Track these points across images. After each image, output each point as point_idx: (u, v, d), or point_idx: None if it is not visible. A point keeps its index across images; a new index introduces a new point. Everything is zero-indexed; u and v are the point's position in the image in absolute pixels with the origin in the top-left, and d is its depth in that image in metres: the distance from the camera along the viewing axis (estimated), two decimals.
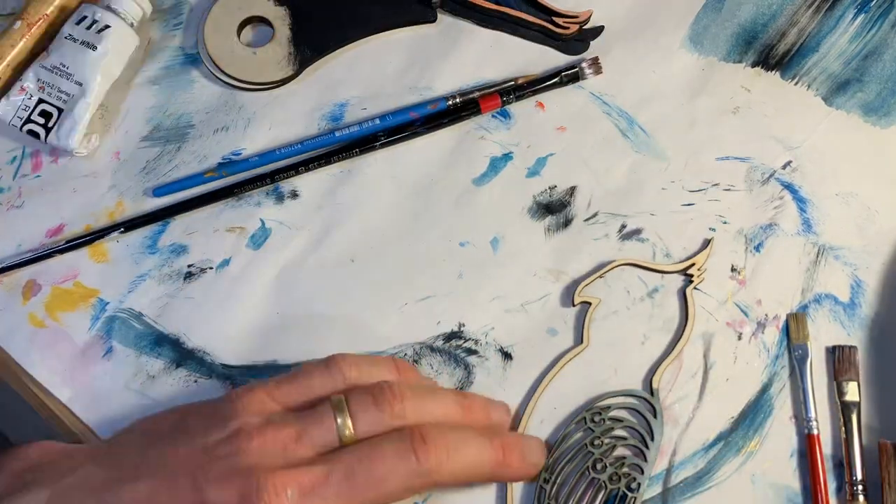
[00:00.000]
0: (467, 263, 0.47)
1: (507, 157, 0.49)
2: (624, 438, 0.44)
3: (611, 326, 0.46)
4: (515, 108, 0.49)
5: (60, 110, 0.47)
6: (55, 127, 0.46)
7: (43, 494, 0.37)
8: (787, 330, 0.46)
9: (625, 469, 0.43)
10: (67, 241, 0.46)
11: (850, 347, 0.46)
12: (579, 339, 0.46)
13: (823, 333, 0.46)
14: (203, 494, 0.36)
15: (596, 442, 0.43)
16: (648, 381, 0.45)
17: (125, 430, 0.41)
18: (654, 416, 0.44)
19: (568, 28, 0.50)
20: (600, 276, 0.46)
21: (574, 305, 0.46)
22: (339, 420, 0.38)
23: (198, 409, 0.40)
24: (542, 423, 0.44)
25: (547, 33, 0.50)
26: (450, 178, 0.48)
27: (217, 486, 0.36)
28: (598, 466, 0.43)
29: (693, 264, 0.46)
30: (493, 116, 0.49)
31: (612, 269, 0.46)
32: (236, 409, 0.39)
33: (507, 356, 0.45)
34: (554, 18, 0.50)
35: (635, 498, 0.43)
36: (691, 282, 0.46)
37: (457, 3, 0.50)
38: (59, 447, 0.41)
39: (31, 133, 0.46)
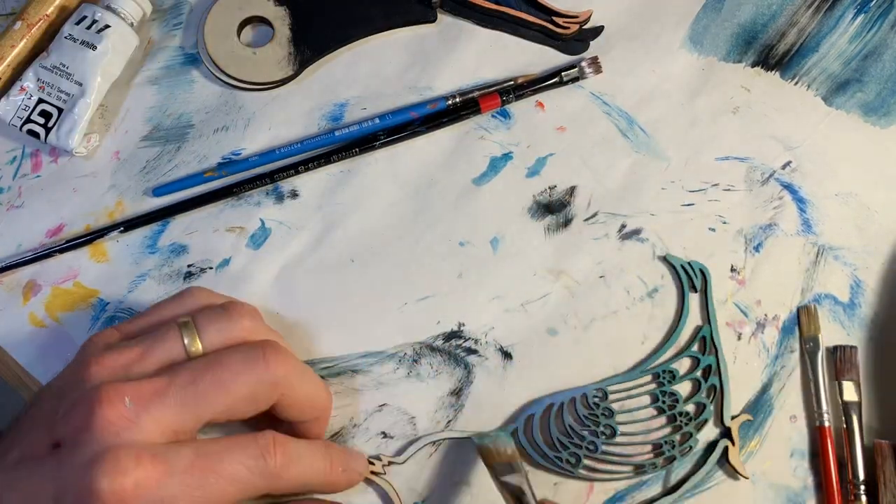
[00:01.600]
0: (467, 263, 0.47)
1: (506, 156, 0.49)
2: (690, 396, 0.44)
3: (610, 326, 0.46)
4: (515, 108, 0.50)
5: (60, 110, 0.47)
6: (55, 127, 0.46)
7: None
8: (797, 322, 0.46)
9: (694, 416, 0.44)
10: (67, 241, 0.46)
11: (851, 347, 0.46)
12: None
13: (823, 333, 0.46)
14: (55, 433, 0.36)
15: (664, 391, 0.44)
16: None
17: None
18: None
19: (568, 28, 0.50)
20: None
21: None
22: (185, 338, 0.38)
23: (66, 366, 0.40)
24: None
25: (547, 33, 0.50)
26: (450, 178, 0.48)
27: (64, 421, 0.35)
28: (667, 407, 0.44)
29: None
30: (492, 116, 0.49)
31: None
32: (85, 350, 0.38)
33: (507, 356, 0.45)
34: (554, 18, 0.50)
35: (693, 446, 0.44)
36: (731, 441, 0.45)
37: (457, 3, 0.50)
38: None
39: (31, 133, 0.46)
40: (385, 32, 0.50)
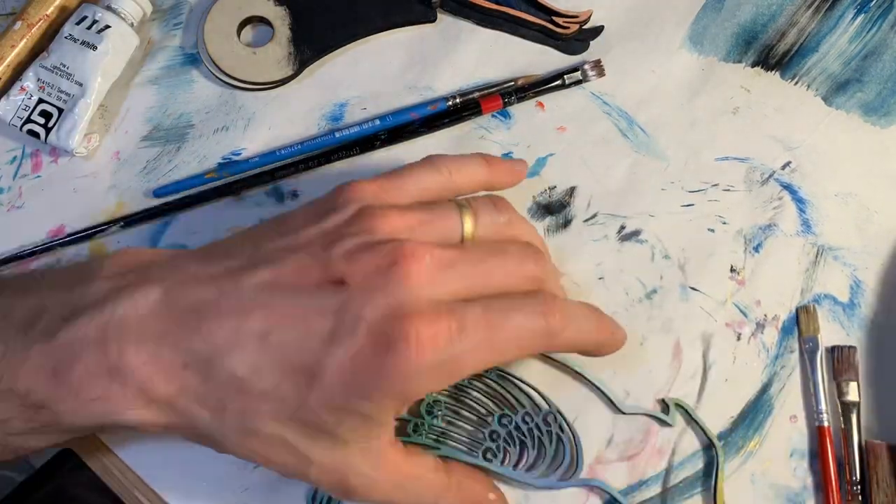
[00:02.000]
0: None
1: (506, 157, 0.49)
2: (527, 445, 0.43)
3: None
4: (515, 108, 0.49)
5: (60, 110, 0.47)
6: (55, 127, 0.46)
7: (154, 292, 0.36)
8: (797, 322, 0.46)
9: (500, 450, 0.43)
10: (68, 236, 0.46)
11: (850, 347, 0.46)
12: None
13: (823, 334, 0.46)
14: (333, 269, 0.35)
15: (522, 427, 0.43)
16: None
17: (220, 240, 0.40)
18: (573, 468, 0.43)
19: (568, 28, 0.50)
20: None
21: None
22: (463, 216, 0.38)
23: (302, 208, 0.39)
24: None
25: (547, 33, 0.50)
26: None
27: (348, 260, 0.35)
28: (493, 436, 0.43)
29: None
30: (492, 116, 0.49)
31: None
32: (351, 197, 0.37)
33: None
34: (554, 18, 0.50)
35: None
36: None
37: (457, 3, 0.50)
38: (150, 251, 0.40)
39: (31, 133, 0.46)
40: (385, 32, 0.50)
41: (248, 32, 0.50)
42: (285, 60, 0.49)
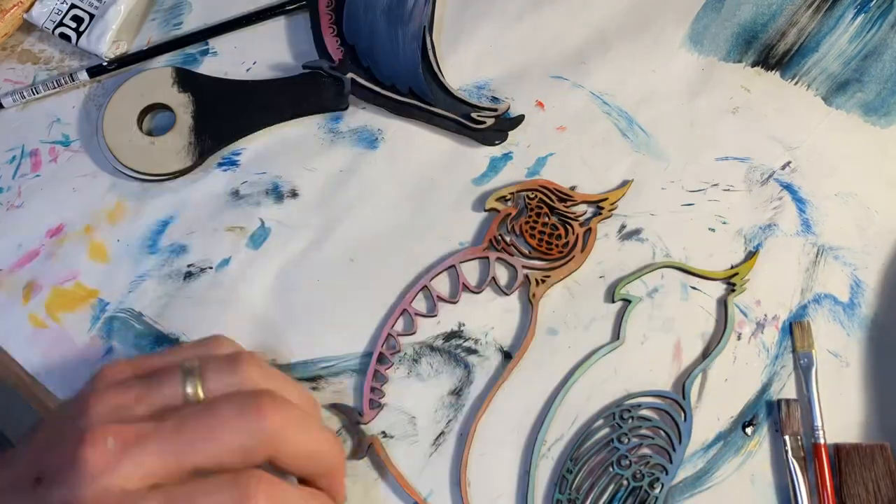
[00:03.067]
0: None
1: (506, 156, 0.49)
2: (650, 437, 0.44)
3: (610, 327, 0.46)
4: (515, 108, 0.49)
5: (92, 16, 0.48)
6: (86, 31, 0.48)
7: None
8: (791, 338, 0.46)
9: (648, 468, 0.43)
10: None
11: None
12: (616, 335, 0.46)
13: (823, 334, 0.46)
14: (40, 465, 0.34)
15: (623, 439, 0.44)
16: (681, 385, 0.45)
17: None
18: (684, 420, 0.44)
19: (483, 122, 0.48)
20: (640, 277, 0.46)
21: (613, 302, 0.46)
22: (187, 383, 0.35)
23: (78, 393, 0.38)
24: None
25: (462, 125, 0.48)
26: (450, 178, 0.48)
27: (50, 454, 0.34)
28: (623, 462, 0.43)
29: (737, 273, 0.46)
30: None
31: (654, 270, 0.47)
32: (95, 381, 0.37)
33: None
34: (470, 114, 0.48)
35: (657, 498, 0.43)
36: (733, 290, 0.46)
37: (369, 92, 0.49)
38: None
39: (63, 36, 0.48)
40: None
41: (151, 119, 0.49)
42: (184, 151, 0.47)
